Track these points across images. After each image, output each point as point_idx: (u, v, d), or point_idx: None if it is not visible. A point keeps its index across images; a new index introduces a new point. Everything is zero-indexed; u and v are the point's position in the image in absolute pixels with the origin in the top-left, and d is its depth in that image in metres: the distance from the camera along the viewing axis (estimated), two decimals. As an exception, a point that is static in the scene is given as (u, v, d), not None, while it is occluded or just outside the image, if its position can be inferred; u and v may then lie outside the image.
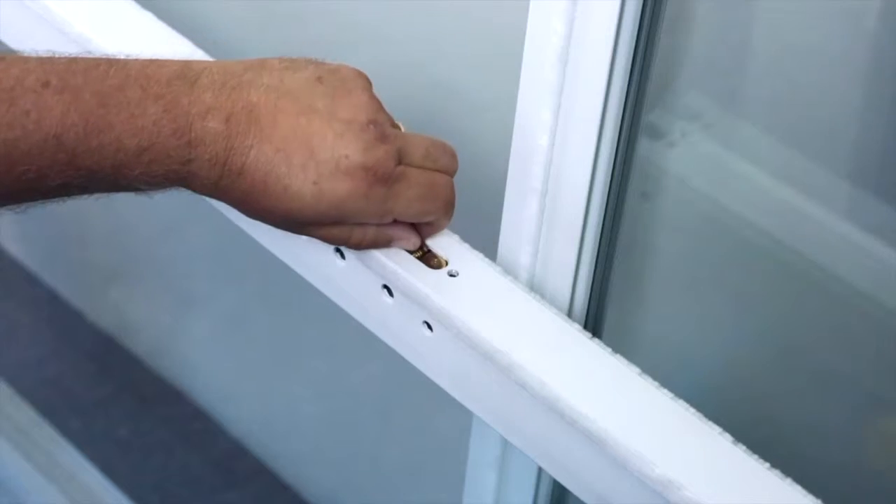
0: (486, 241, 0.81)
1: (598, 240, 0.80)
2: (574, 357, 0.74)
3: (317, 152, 0.70)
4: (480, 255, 0.79)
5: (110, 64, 0.70)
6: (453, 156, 0.76)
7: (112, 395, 1.65)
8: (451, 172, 0.76)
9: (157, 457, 1.60)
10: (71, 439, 1.59)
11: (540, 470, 0.91)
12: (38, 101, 0.67)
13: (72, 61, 0.69)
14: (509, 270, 0.80)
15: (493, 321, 0.75)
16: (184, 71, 0.71)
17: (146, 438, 1.61)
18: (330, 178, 0.71)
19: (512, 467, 0.93)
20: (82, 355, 1.68)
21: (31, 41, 0.97)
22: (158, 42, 0.91)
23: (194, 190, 0.72)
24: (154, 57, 0.71)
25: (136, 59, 0.71)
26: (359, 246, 0.76)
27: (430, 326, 0.78)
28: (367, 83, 0.75)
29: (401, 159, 0.73)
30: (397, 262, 0.78)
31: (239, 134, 0.70)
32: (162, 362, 1.65)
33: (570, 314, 0.82)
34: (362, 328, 0.83)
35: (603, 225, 0.80)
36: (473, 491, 0.98)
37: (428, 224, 0.77)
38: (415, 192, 0.74)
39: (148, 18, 0.92)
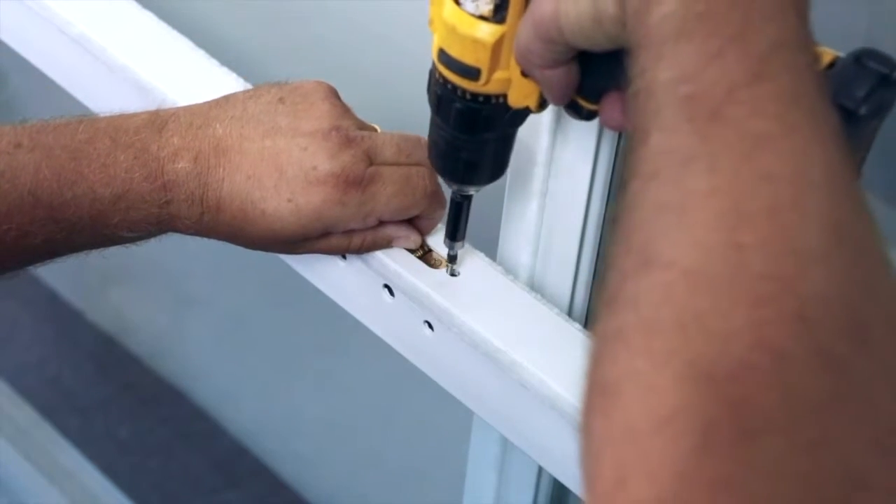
0: (486, 241, 0.81)
1: (598, 240, 0.80)
2: (574, 356, 0.74)
3: (285, 170, 0.71)
4: (481, 255, 0.79)
5: (80, 120, 0.72)
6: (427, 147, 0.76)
7: (112, 395, 1.65)
8: (426, 164, 0.75)
9: (157, 457, 1.60)
10: (71, 439, 1.59)
11: (540, 470, 0.91)
12: (11, 162, 0.69)
13: (43, 123, 0.72)
14: (509, 270, 0.80)
15: (493, 320, 0.75)
16: (152, 119, 0.73)
17: (146, 438, 1.61)
18: (303, 193, 0.71)
19: (512, 467, 0.94)
20: (82, 355, 1.68)
21: (32, 41, 0.97)
22: (158, 42, 0.91)
23: (181, 231, 0.73)
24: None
25: (106, 115, 0.73)
26: (359, 251, 0.76)
27: (430, 326, 0.78)
28: (330, 92, 0.75)
29: (372, 160, 0.73)
30: (398, 262, 0.78)
31: (210, 169, 0.71)
32: (162, 362, 1.65)
33: (570, 314, 0.82)
34: (363, 328, 0.84)
35: (603, 225, 0.80)
36: (473, 491, 0.98)
37: (420, 219, 0.77)
38: (391, 190, 0.74)
39: (148, 18, 0.92)
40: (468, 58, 0.62)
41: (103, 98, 0.94)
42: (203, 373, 1.61)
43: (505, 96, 0.64)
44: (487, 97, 0.64)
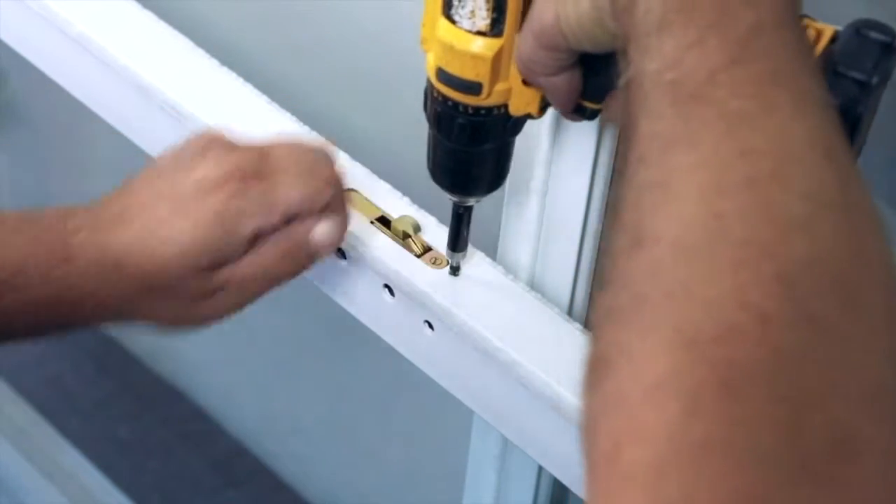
0: (486, 241, 0.81)
1: (598, 240, 0.80)
2: (575, 356, 0.74)
3: (178, 192, 0.71)
4: (481, 255, 0.79)
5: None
6: (322, 147, 0.76)
7: (112, 395, 1.65)
8: (325, 160, 0.75)
9: (157, 457, 1.60)
10: (71, 439, 1.58)
11: (540, 469, 0.91)
12: None
13: None
14: (509, 270, 0.80)
15: (493, 320, 0.75)
16: (60, 212, 0.73)
17: (146, 438, 1.61)
18: (200, 202, 0.71)
19: (512, 467, 0.94)
20: (82, 355, 1.67)
21: (32, 41, 0.97)
22: (158, 42, 0.91)
23: (91, 319, 0.73)
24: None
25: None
26: (322, 246, 0.74)
27: (431, 325, 0.78)
28: (218, 136, 0.74)
29: (266, 161, 0.72)
30: (398, 262, 0.78)
31: (109, 232, 0.71)
32: (162, 362, 1.65)
33: (570, 313, 0.82)
34: (363, 327, 0.84)
35: (603, 225, 0.80)
36: (473, 491, 0.98)
37: (329, 214, 0.74)
38: (293, 175, 0.72)
39: (148, 18, 0.92)
40: (468, 74, 0.63)
41: (103, 98, 0.94)
42: (203, 373, 1.61)
43: (506, 106, 0.64)
44: (489, 109, 0.64)
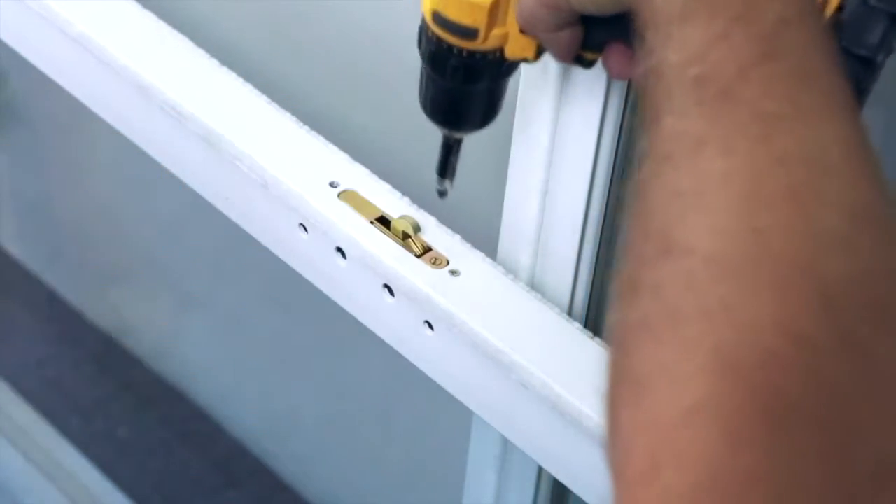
0: (486, 241, 0.81)
1: (598, 240, 0.80)
2: (574, 356, 0.74)
3: None
4: (481, 255, 0.79)
5: None
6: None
7: (112, 395, 1.65)
8: None
9: (157, 457, 1.60)
10: (71, 439, 1.58)
11: (540, 470, 0.91)
12: None
13: None
14: (509, 270, 0.80)
15: (493, 320, 0.75)
16: None
17: (146, 438, 1.61)
18: None
19: (512, 467, 0.94)
20: (82, 355, 1.67)
21: (32, 41, 0.97)
22: (158, 42, 0.91)
23: None
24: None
25: None
26: None
27: (430, 326, 0.78)
28: None
29: None
30: (398, 262, 0.78)
31: None
32: (162, 362, 1.65)
33: (570, 314, 0.82)
34: (363, 328, 0.83)
35: (603, 225, 0.80)
36: (473, 491, 0.98)
37: None
38: None
39: (148, 18, 0.92)
40: (465, 19, 0.62)
41: (103, 98, 0.94)
42: (203, 373, 1.61)
43: (502, 50, 0.64)
44: (485, 53, 0.64)
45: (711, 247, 0.44)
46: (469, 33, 0.62)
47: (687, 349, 0.43)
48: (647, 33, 0.49)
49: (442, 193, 0.77)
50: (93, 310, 1.71)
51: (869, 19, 0.57)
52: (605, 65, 0.64)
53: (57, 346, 1.69)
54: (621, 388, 0.46)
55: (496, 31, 0.63)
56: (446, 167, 0.75)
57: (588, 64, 0.65)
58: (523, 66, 0.74)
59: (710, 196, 0.45)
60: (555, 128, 0.75)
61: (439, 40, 0.63)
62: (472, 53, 0.63)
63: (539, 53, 0.65)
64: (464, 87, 0.66)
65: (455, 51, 0.63)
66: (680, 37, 0.47)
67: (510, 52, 0.64)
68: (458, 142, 0.73)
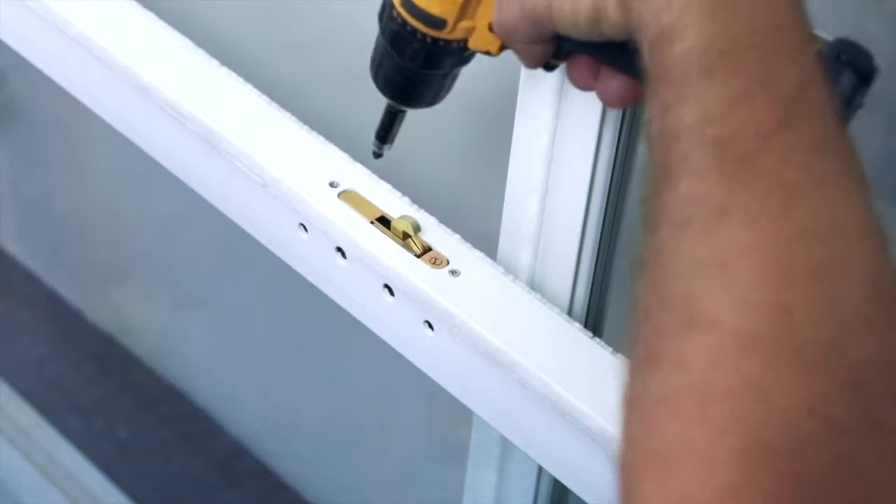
0: (486, 241, 0.81)
1: (598, 240, 0.80)
2: (574, 356, 0.74)
3: None
4: (481, 255, 0.79)
5: None
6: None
7: (112, 395, 1.65)
8: None
9: (157, 457, 1.60)
10: (71, 439, 1.58)
11: (540, 470, 0.91)
12: None
13: None
14: (509, 270, 0.80)
15: (493, 320, 0.75)
16: None
17: (146, 438, 1.61)
18: None
19: (512, 467, 0.94)
20: (82, 355, 1.68)
21: (32, 41, 0.97)
22: (158, 42, 0.91)
23: None
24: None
25: None
26: None
27: (430, 326, 0.78)
28: None
29: None
30: (398, 262, 0.78)
31: None
32: (162, 362, 1.65)
33: (570, 314, 0.82)
34: (363, 328, 0.83)
35: (603, 225, 0.80)
36: (473, 491, 0.98)
37: None
38: None
39: (148, 18, 0.92)
40: (434, 9, 0.62)
41: (103, 98, 0.94)
42: (203, 373, 1.61)
43: (466, 40, 0.64)
44: (448, 41, 0.64)
45: (738, 322, 0.44)
46: (437, 23, 0.62)
47: (717, 429, 0.43)
48: (660, 86, 0.49)
49: (377, 155, 0.78)
50: (93, 310, 1.71)
51: (840, 74, 0.57)
52: (569, 74, 0.64)
53: (57, 346, 1.69)
54: (643, 462, 0.45)
55: (464, 24, 0.63)
56: (387, 134, 0.76)
57: (551, 68, 0.65)
58: (524, 69, 0.74)
59: (734, 269, 0.45)
60: (555, 128, 0.75)
61: (404, 22, 0.63)
62: (435, 41, 0.64)
63: (502, 48, 0.65)
64: (421, 70, 0.66)
65: (419, 35, 0.64)
66: (698, 95, 0.47)
67: (473, 44, 0.64)
68: (403, 113, 0.73)
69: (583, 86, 0.63)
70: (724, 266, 0.45)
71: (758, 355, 0.43)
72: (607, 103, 0.62)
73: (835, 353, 0.43)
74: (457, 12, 0.62)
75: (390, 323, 0.81)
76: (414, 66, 0.66)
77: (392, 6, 0.64)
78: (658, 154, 0.48)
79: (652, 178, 0.49)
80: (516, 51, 0.63)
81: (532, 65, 0.63)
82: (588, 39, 0.57)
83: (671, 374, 0.44)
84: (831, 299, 0.44)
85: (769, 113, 0.46)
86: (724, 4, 0.48)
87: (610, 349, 0.74)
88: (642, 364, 0.46)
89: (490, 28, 0.63)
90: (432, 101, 0.70)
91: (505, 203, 0.81)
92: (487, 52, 0.65)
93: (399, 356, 0.82)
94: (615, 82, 0.61)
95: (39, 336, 1.71)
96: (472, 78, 0.71)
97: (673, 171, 0.47)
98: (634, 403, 0.46)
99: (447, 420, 1.12)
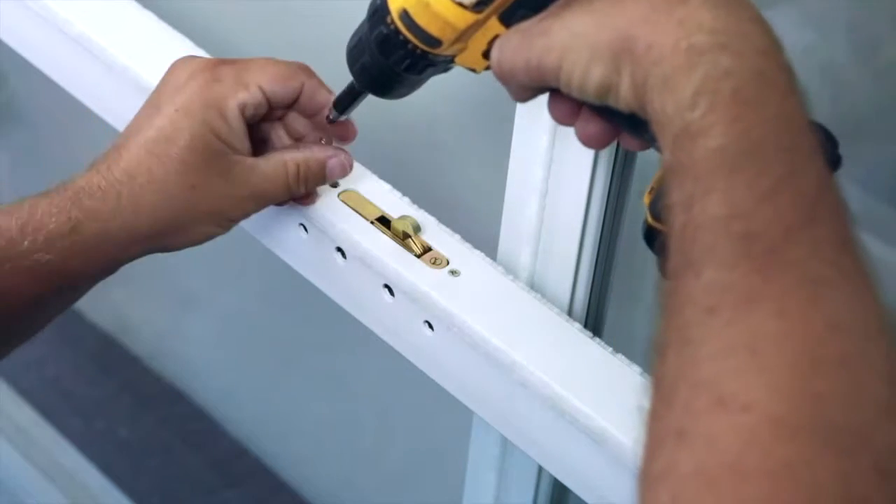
0: (486, 241, 0.81)
1: (598, 240, 0.80)
2: (574, 357, 0.74)
3: (162, 97, 0.75)
4: (481, 255, 0.79)
5: None
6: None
7: (112, 395, 1.65)
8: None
9: (157, 457, 1.60)
10: (71, 439, 1.58)
11: (540, 470, 0.91)
12: None
13: None
14: (509, 270, 0.80)
15: (493, 320, 0.75)
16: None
17: (146, 438, 1.61)
18: (179, 94, 0.74)
19: (512, 467, 0.94)
20: (82, 355, 1.67)
21: (32, 41, 0.97)
22: (158, 42, 0.91)
23: (101, 235, 0.78)
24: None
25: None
26: (297, 181, 0.77)
27: (430, 326, 0.78)
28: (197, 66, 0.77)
29: (235, 60, 0.76)
30: (398, 262, 0.78)
31: (110, 159, 0.77)
32: (162, 362, 1.65)
33: (570, 314, 0.82)
34: (363, 328, 0.83)
35: (603, 225, 0.80)
36: (473, 491, 0.98)
37: (306, 100, 0.77)
38: (264, 60, 0.76)
39: (148, 18, 0.92)
40: (433, 29, 0.62)
41: (103, 98, 0.94)
42: (203, 373, 1.61)
43: (454, 56, 0.64)
44: (436, 55, 0.64)
45: (772, 406, 0.45)
46: (432, 42, 0.63)
47: None
48: (684, 180, 0.50)
49: (330, 121, 0.78)
50: (93, 310, 1.71)
51: None
52: (549, 109, 0.64)
53: (57, 346, 1.68)
54: None
55: (457, 46, 0.63)
56: (347, 108, 0.76)
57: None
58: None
59: (765, 355, 0.46)
60: (555, 128, 0.75)
61: (398, 31, 0.64)
62: (424, 53, 0.64)
63: (488, 68, 0.65)
64: (402, 72, 0.66)
65: (409, 46, 0.64)
66: (724, 191, 0.49)
67: (460, 61, 0.65)
68: (366, 96, 0.74)
69: (561, 122, 0.64)
70: (755, 352, 0.46)
71: (792, 439, 0.45)
72: (584, 143, 0.63)
73: (863, 438, 0.45)
74: (455, 37, 0.62)
75: (390, 323, 0.81)
76: (396, 69, 0.66)
77: (388, 13, 0.64)
78: (680, 242, 0.50)
79: (672, 264, 0.50)
80: (511, 92, 0.63)
81: (518, 101, 0.64)
82: (591, 102, 0.58)
83: (701, 450, 0.46)
84: (858, 389, 0.46)
85: (795, 209, 0.48)
86: (747, 104, 0.50)
87: (610, 349, 0.74)
88: (665, 441, 0.47)
89: (483, 55, 0.63)
90: (401, 97, 0.70)
91: (505, 203, 0.81)
92: (472, 70, 0.65)
93: (399, 356, 0.82)
94: (593, 126, 0.62)
95: (39, 336, 1.71)
96: (472, 78, 0.71)
97: (697, 259, 0.49)
98: (662, 479, 0.46)
99: (447, 420, 1.12)
